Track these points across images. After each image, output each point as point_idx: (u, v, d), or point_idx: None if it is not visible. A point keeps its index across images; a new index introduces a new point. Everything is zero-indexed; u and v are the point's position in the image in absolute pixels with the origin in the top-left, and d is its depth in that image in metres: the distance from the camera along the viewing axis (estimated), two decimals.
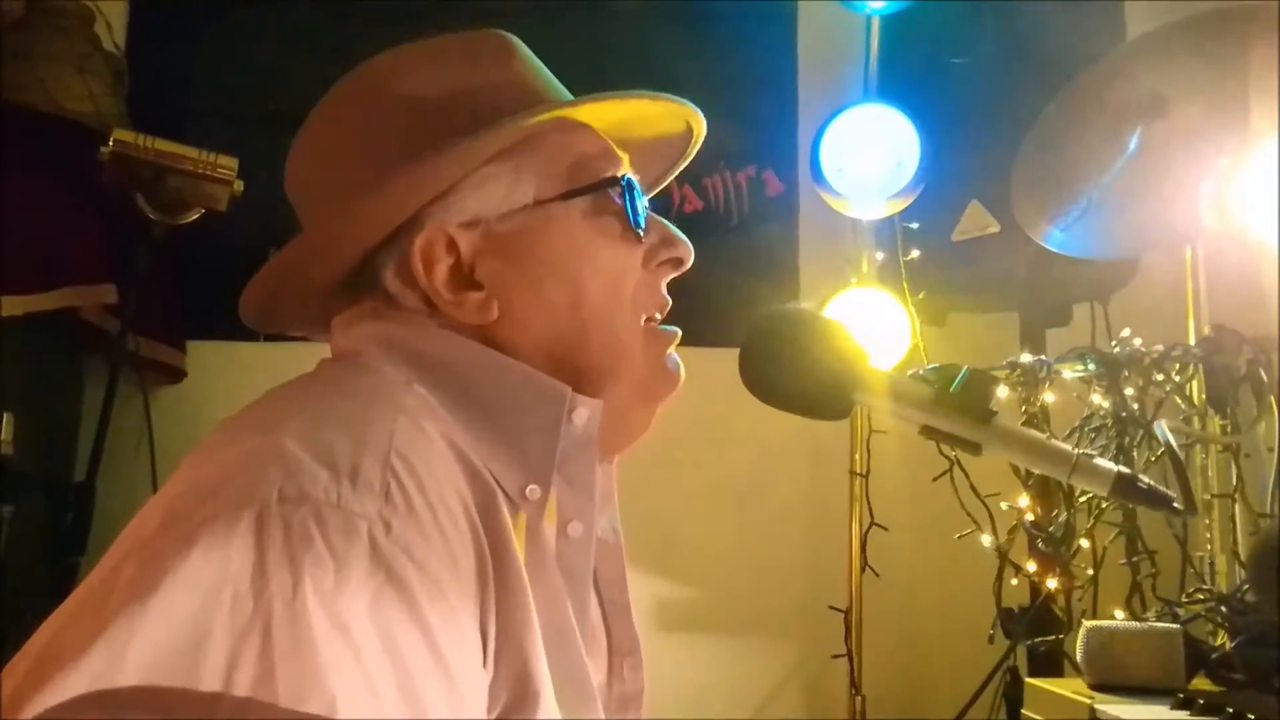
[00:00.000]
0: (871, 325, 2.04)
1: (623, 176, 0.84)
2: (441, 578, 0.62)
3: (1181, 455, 1.19)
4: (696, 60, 2.59)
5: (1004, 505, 1.66)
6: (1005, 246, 2.04)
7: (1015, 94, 1.97)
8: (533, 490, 0.75)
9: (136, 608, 0.54)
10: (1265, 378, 1.49)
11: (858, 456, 2.19)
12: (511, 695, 0.66)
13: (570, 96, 0.87)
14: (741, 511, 2.48)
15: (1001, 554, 1.62)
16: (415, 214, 0.79)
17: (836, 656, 2.17)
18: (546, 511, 0.77)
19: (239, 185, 2.14)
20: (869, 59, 2.12)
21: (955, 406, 0.89)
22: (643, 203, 0.86)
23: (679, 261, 0.88)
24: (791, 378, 0.92)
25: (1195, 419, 1.59)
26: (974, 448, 0.90)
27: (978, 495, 1.78)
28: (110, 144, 2.03)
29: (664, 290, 0.88)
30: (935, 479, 1.91)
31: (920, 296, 2.07)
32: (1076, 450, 0.87)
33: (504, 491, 0.74)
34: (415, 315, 0.80)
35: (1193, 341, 1.64)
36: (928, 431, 0.92)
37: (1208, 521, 1.62)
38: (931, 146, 1.98)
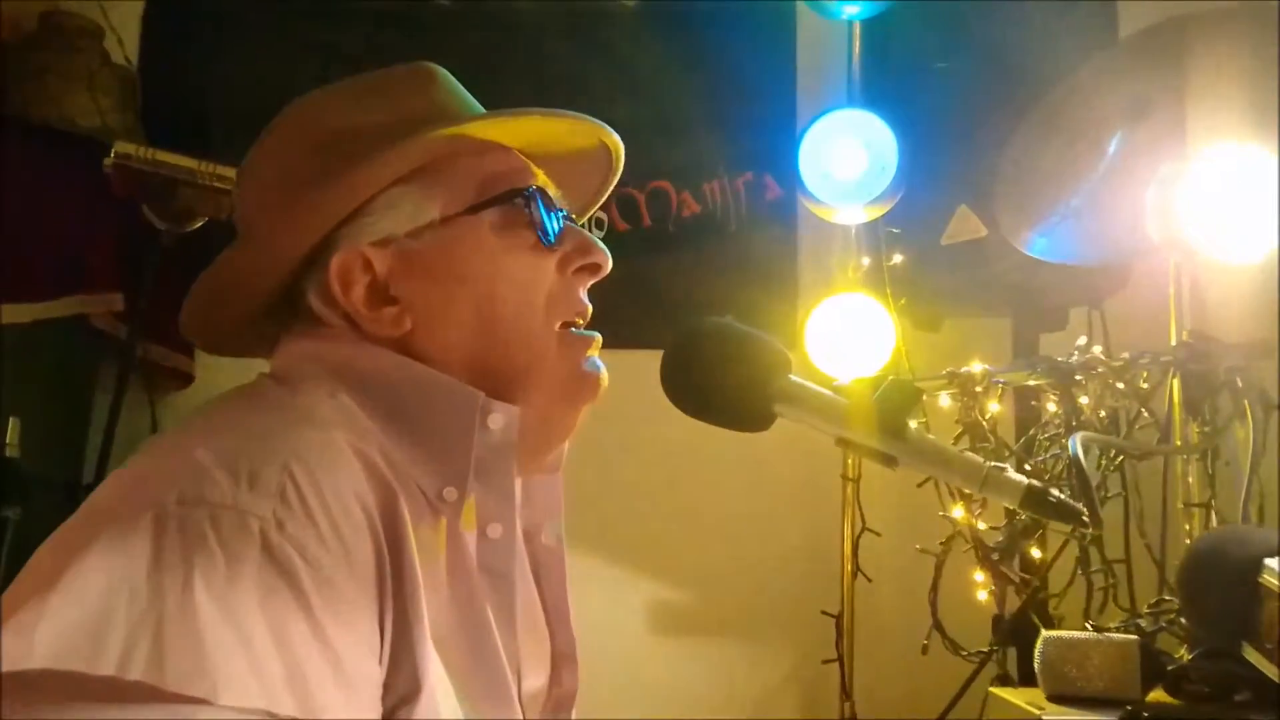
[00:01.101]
0: (858, 331, 2.03)
1: (528, 187, 0.87)
2: (335, 576, 0.66)
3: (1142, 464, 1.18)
4: (696, 65, 2.60)
5: (940, 514, 1.65)
6: (996, 251, 2.02)
7: (999, 98, 1.96)
8: (449, 492, 0.79)
9: (42, 598, 0.59)
10: (1242, 385, 1.47)
11: (849, 461, 2.19)
12: (405, 688, 0.70)
13: (474, 109, 0.91)
14: (734, 517, 2.48)
15: (938, 564, 1.61)
16: (330, 236, 0.83)
17: (828, 661, 2.17)
18: (465, 513, 0.80)
19: None
20: (851, 64, 2.12)
21: (869, 419, 0.90)
22: (556, 214, 0.89)
23: (596, 268, 0.90)
24: (709, 391, 0.93)
25: (1175, 426, 1.57)
26: (888, 460, 0.91)
27: (957, 501, 1.77)
28: (112, 155, 2.09)
29: (583, 296, 0.90)
30: (920, 485, 1.91)
31: (902, 302, 2.06)
32: (986, 463, 0.88)
33: (424, 494, 0.78)
34: (340, 332, 0.84)
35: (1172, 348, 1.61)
36: (842, 443, 0.93)
37: (1187, 527, 1.60)
38: (911, 150, 1.98)
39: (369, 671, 0.68)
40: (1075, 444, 0.96)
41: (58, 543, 0.65)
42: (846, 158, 1.99)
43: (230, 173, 2.18)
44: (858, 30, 2.12)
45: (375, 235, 0.83)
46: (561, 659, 0.93)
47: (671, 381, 0.94)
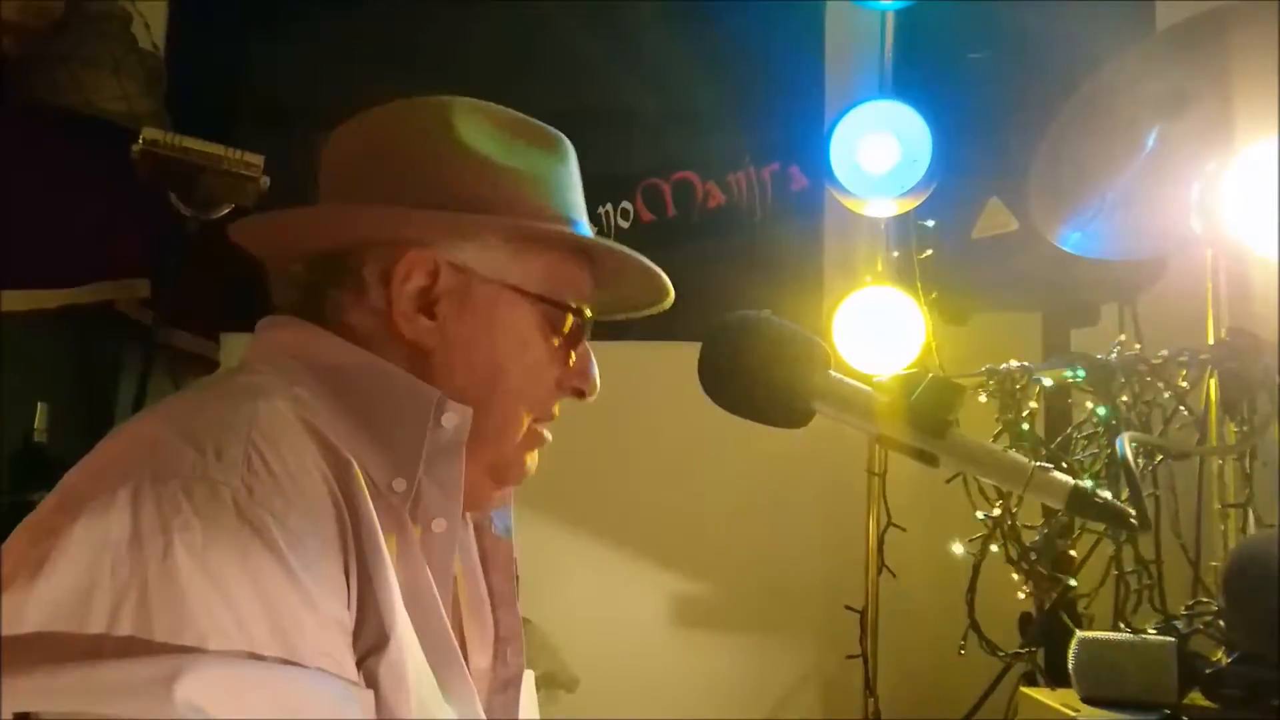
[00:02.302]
0: (886, 325, 2.01)
1: (583, 311, 0.94)
2: (303, 530, 0.72)
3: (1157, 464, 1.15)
4: (722, 55, 2.58)
5: (978, 515, 1.63)
6: (1027, 244, 1.99)
7: (1033, 89, 1.93)
8: (398, 483, 0.84)
9: (32, 572, 0.64)
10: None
11: (875, 456, 2.17)
12: (372, 637, 0.75)
13: (585, 216, 0.98)
14: (759, 511, 2.47)
15: (975, 564, 1.59)
16: (429, 238, 0.89)
17: (851, 657, 2.16)
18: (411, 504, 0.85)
19: (265, 181, 2.18)
20: (884, 55, 2.09)
21: (911, 417, 0.89)
22: (586, 339, 0.96)
23: (581, 393, 0.97)
24: (747, 387, 0.92)
25: (1211, 425, 1.54)
26: (929, 459, 0.90)
27: (986, 498, 1.76)
28: (140, 142, 2.09)
29: (556, 409, 0.97)
30: (948, 481, 1.89)
31: (933, 296, 2.04)
32: (1032, 463, 0.86)
33: (374, 483, 0.82)
34: (352, 308, 0.89)
35: (1210, 345, 1.58)
36: (884, 441, 0.92)
37: (1223, 528, 1.57)
38: (944, 142, 1.95)
39: (341, 617, 0.74)
40: (1123, 444, 0.94)
41: (35, 525, 0.70)
42: (878, 149, 1.96)
43: (257, 159, 2.18)
44: (890, 20, 2.09)
45: (458, 258, 0.89)
46: (505, 641, 0.98)
47: (708, 377, 0.93)
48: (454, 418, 0.85)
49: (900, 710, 2.20)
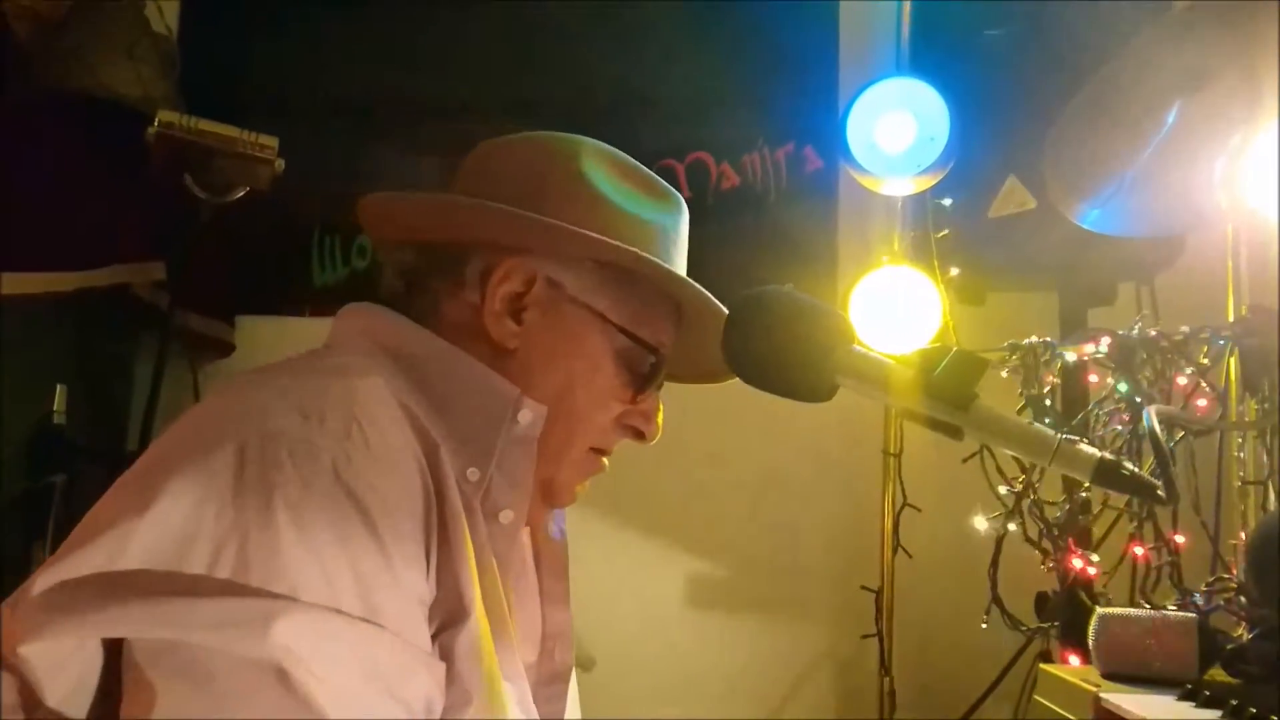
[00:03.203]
0: (903, 305, 2.01)
1: (660, 354, 0.98)
2: (393, 503, 0.76)
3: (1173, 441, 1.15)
4: (736, 36, 2.56)
5: (1001, 489, 1.63)
6: (1044, 223, 1.98)
7: (1052, 67, 1.92)
8: (472, 472, 0.86)
9: (136, 516, 0.68)
10: None
11: (891, 436, 2.17)
12: (448, 612, 0.79)
13: (683, 271, 1.01)
14: (775, 492, 2.47)
15: (999, 538, 1.59)
16: (532, 248, 0.93)
17: (867, 636, 2.16)
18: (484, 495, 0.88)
19: (280, 164, 2.19)
20: (900, 33, 2.08)
21: (936, 391, 0.88)
22: (657, 386, 1.00)
23: (640, 434, 1.00)
24: (772, 359, 0.92)
25: (1231, 402, 1.54)
26: (954, 431, 0.89)
27: (1005, 479, 1.75)
28: (155, 124, 2.09)
29: (615, 442, 1.00)
30: (965, 460, 1.89)
31: (951, 274, 2.03)
32: (1058, 436, 0.86)
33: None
34: (445, 299, 0.94)
35: (1230, 323, 1.58)
36: (908, 414, 0.91)
37: (1242, 509, 1.57)
38: (963, 121, 1.94)
39: (420, 590, 0.77)
40: (1150, 416, 0.94)
41: (141, 473, 0.73)
42: (895, 128, 1.95)
43: (271, 142, 2.18)
44: None
45: (554, 274, 0.94)
46: (552, 639, 1.01)
47: (732, 350, 0.93)
48: (529, 415, 0.89)
49: (915, 689, 2.21)
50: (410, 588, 0.75)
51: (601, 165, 0.98)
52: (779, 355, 0.91)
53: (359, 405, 0.78)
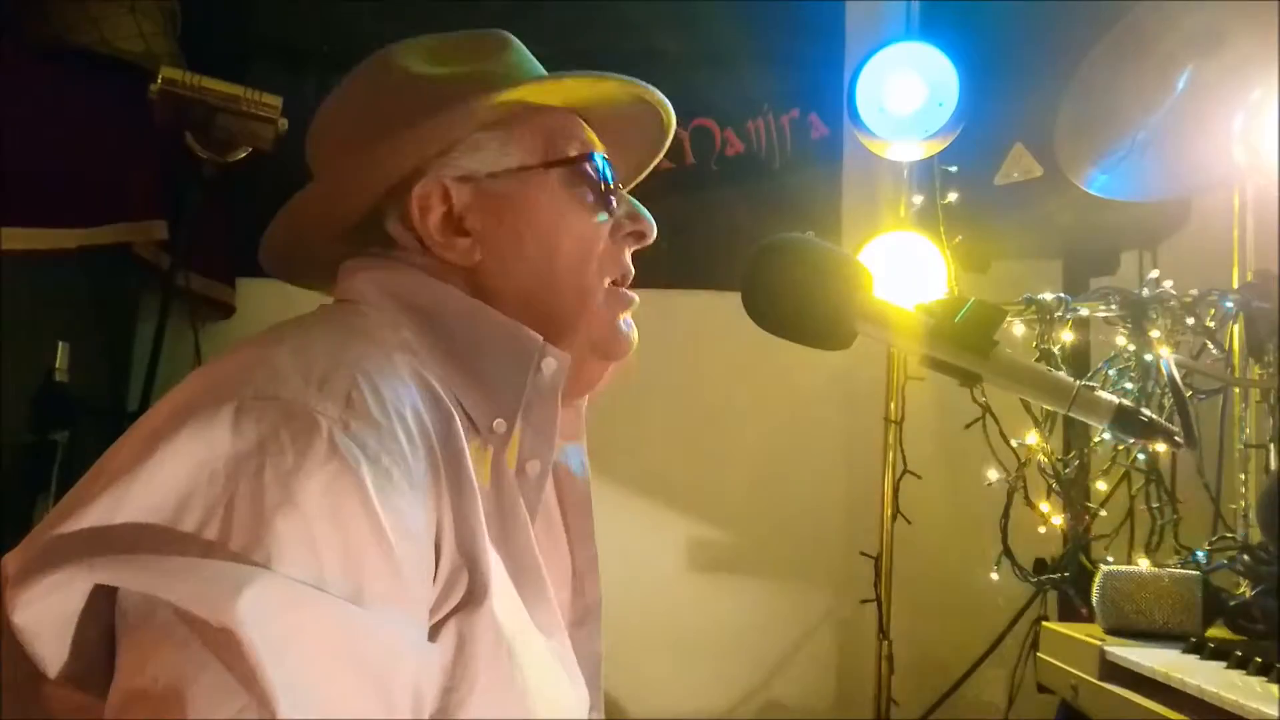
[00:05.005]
0: (908, 270, 2.01)
1: (596, 154, 0.94)
2: (393, 475, 0.72)
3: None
4: (742, 1, 2.55)
5: (1014, 443, 1.64)
6: (1049, 191, 1.99)
7: (1062, 32, 1.92)
8: (499, 424, 0.85)
9: (132, 474, 0.67)
10: None
11: (892, 404, 2.18)
12: (466, 591, 0.76)
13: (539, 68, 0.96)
14: (776, 458, 2.48)
15: (1010, 491, 1.60)
16: (417, 167, 0.89)
17: (866, 601, 2.18)
18: (510, 446, 0.86)
19: (283, 124, 2.17)
20: None
21: (956, 337, 0.89)
22: (614, 180, 0.96)
23: (641, 235, 0.96)
24: (792, 304, 0.92)
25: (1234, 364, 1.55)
26: (973, 378, 0.90)
27: (1007, 443, 1.77)
28: (159, 81, 2.07)
29: (628, 259, 0.97)
30: (968, 426, 1.90)
31: (958, 241, 2.04)
32: (1077, 382, 0.86)
33: (473, 423, 0.84)
34: (410, 258, 0.91)
35: (1236, 287, 1.59)
36: (928, 361, 0.92)
37: (1243, 476, 1.58)
38: (972, 86, 1.93)
39: (419, 565, 0.73)
40: (1170, 364, 0.95)
41: (145, 429, 0.72)
42: (904, 92, 1.95)
43: (275, 101, 2.17)
44: None
45: (457, 171, 0.90)
46: (582, 574, 1.01)
47: (755, 296, 0.93)
48: (552, 363, 0.87)
49: (912, 653, 2.23)
50: (407, 559, 0.71)
51: (414, 53, 0.94)
52: (800, 300, 0.91)
53: (363, 369, 0.75)
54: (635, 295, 0.97)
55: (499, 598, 0.77)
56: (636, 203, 0.97)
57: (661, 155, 1.06)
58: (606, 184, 0.94)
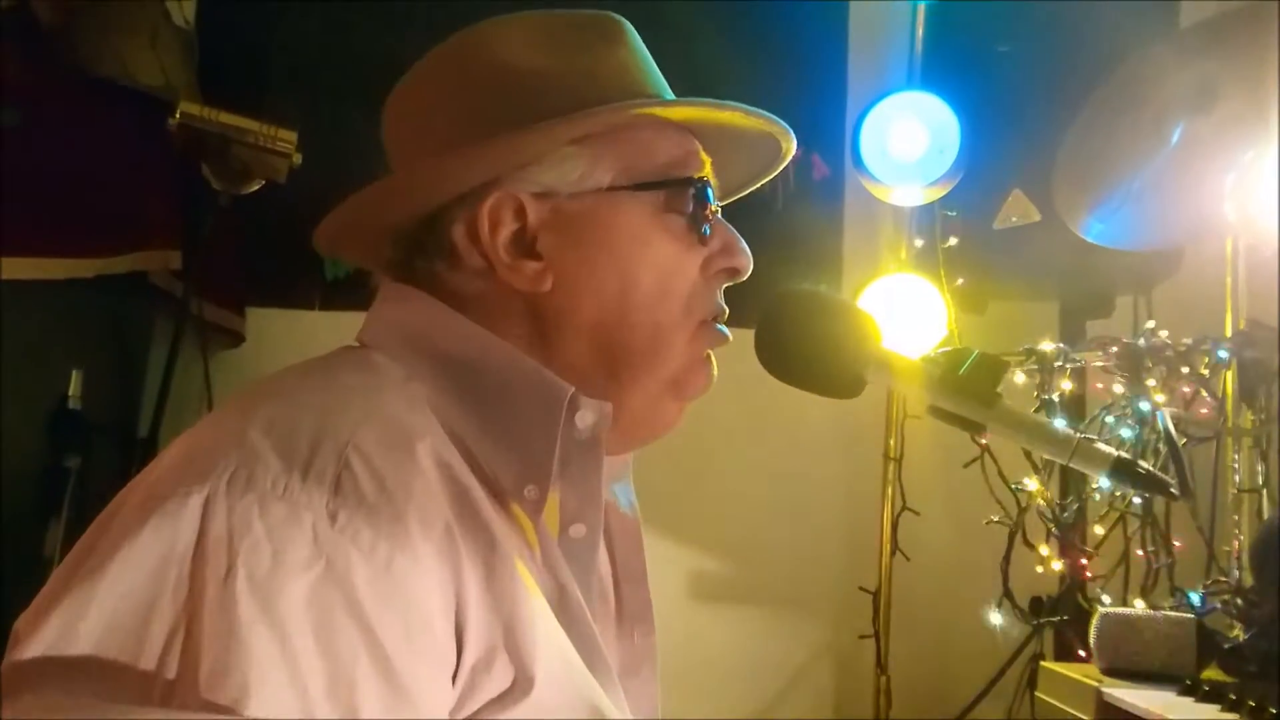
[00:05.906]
0: (908, 312, 2.05)
1: (698, 179, 0.84)
2: (394, 561, 0.62)
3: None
4: (746, 41, 2.60)
5: (1013, 486, 1.68)
6: (1047, 235, 2.03)
7: (1060, 83, 1.97)
8: (530, 490, 0.75)
9: (91, 582, 0.59)
10: None
11: (892, 441, 2.21)
12: (507, 680, 0.66)
13: (668, 92, 0.88)
14: (777, 493, 2.51)
15: (1011, 534, 1.64)
16: (494, 177, 0.80)
17: (864, 637, 2.21)
18: (547, 510, 0.77)
19: (298, 158, 2.22)
20: (914, 45, 2.13)
21: (961, 388, 0.92)
22: (713, 208, 0.86)
23: (735, 271, 0.89)
24: (804, 354, 0.96)
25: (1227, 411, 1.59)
26: (978, 428, 0.93)
27: (1006, 483, 1.80)
28: (177, 115, 2.11)
29: (719, 297, 0.89)
30: (966, 465, 1.94)
31: (958, 283, 2.08)
32: (1077, 434, 0.90)
33: (503, 489, 0.75)
34: (464, 281, 0.82)
35: (1229, 335, 1.63)
36: (934, 411, 0.95)
37: (1236, 517, 1.62)
38: (973, 133, 1.99)
39: (432, 665, 0.63)
40: (1165, 417, 0.99)
41: (114, 515, 0.65)
42: (906, 138, 2.00)
43: (290, 135, 2.21)
44: (922, 12, 2.13)
45: (537, 186, 0.81)
46: (632, 620, 0.94)
47: (764, 344, 0.96)
48: (589, 415, 0.77)
49: (910, 688, 2.25)
50: (409, 670, 0.61)
51: (511, 38, 0.83)
52: (811, 349, 0.94)
53: (361, 441, 0.66)
54: (729, 332, 0.88)
55: (550, 686, 0.68)
56: (734, 232, 0.88)
57: (771, 177, 0.98)
58: (705, 211, 0.84)
